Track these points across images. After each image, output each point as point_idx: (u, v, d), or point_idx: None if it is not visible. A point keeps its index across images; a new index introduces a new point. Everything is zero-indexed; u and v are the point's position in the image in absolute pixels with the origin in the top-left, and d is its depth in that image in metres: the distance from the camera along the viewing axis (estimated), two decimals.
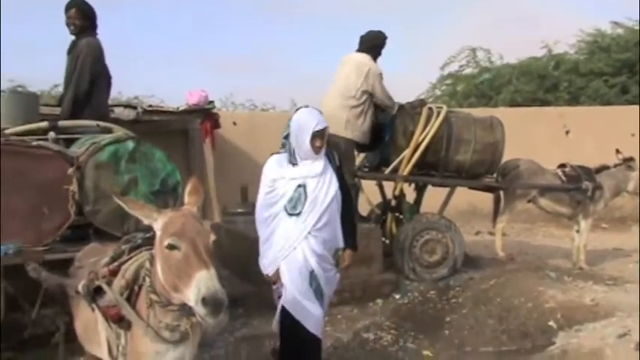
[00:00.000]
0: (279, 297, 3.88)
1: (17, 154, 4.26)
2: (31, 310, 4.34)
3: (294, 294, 3.78)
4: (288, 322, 3.82)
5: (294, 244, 3.77)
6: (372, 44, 6.92)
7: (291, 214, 3.78)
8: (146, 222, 2.63)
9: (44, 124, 4.80)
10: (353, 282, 6.08)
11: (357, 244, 4.11)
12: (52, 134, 4.68)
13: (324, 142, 3.81)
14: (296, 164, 3.82)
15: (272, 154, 3.99)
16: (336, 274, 3.99)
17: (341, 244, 3.94)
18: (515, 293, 5.73)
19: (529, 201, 7.34)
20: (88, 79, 5.31)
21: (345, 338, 5.08)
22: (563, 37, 16.73)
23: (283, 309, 3.83)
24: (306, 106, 3.95)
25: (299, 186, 3.78)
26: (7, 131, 4.55)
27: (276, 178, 3.84)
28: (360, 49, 6.91)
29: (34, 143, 4.42)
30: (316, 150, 3.77)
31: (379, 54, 6.97)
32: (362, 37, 6.97)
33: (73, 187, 4.30)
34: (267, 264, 3.91)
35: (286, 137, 3.89)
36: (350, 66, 6.78)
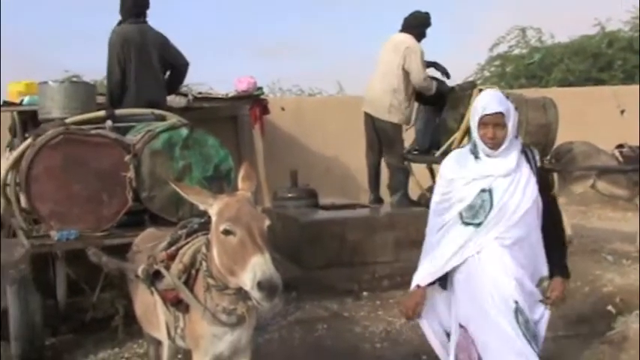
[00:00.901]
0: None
1: (78, 143, 4.40)
2: (91, 293, 4.49)
3: (494, 339, 2.83)
4: None
5: (463, 256, 2.91)
6: (415, 24, 6.88)
7: (467, 223, 2.93)
8: (202, 207, 2.66)
9: (101, 112, 4.92)
10: (404, 266, 6.05)
11: (568, 269, 3.05)
12: (109, 123, 4.80)
13: (502, 132, 2.87)
14: (478, 157, 2.96)
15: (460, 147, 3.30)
16: (545, 311, 2.98)
17: (544, 269, 2.98)
18: (572, 277, 5.60)
19: (591, 186, 7.15)
20: (118, 70, 5.39)
21: (397, 322, 5.06)
22: (616, 14, 16.23)
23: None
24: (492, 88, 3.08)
25: (483, 191, 2.90)
26: (67, 120, 4.69)
27: (454, 178, 3.00)
28: (403, 30, 6.89)
29: (93, 132, 4.54)
30: (486, 142, 2.89)
31: (423, 35, 6.91)
32: (405, 18, 6.95)
33: (130, 173, 4.41)
34: (420, 276, 3.03)
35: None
36: (391, 47, 6.78)
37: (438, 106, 7.05)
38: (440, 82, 7.01)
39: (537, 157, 3.01)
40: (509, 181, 2.89)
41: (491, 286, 2.85)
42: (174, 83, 5.88)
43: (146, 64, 5.48)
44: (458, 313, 2.98)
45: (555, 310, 4.49)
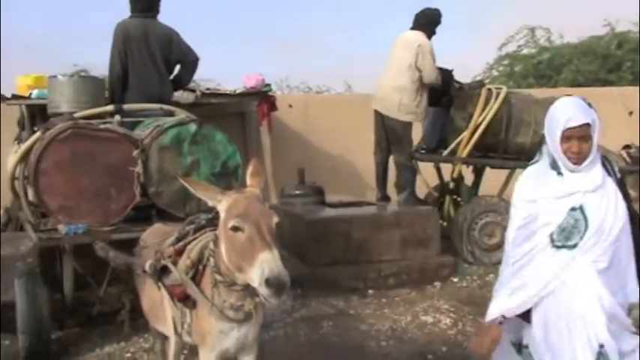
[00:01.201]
0: None
1: (86, 137, 4.40)
2: (98, 287, 4.51)
3: None
4: None
5: (558, 282, 2.55)
6: (426, 21, 6.91)
7: (559, 247, 2.56)
8: (210, 204, 2.66)
9: (110, 107, 4.94)
10: (410, 264, 6.09)
11: None
12: (117, 117, 4.81)
13: (587, 144, 2.55)
14: (561, 173, 2.61)
15: (530, 163, 2.83)
16: (638, 346, 2.57)
17: (634, 295, 2.60)
18: None
19: None
20: (119, 65, 5.45)
21: (403, 321, 5.07)
22: (626, 15, 16.12)
23: None
24: (569, 95, 2.74)
25: (573, 209, 2.55)
26: (75, 115, 4.70)
27: (536, 198, 2.63)
28: (414, 27, 6.90)
29: (102, 126, 4.56)
30: (570, 157, 2.56)
31: (433, 32, 6.94)
32: (416, 15, 6.97)
33: (138, 168, 4.41)
34: (506, 306, 2.63)
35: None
36: (402, 45, 6.79)
37: (445, 105, 7.04)
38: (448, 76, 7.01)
39: (616, 169, 2.71)
40: (598, 197, 2.57)
41: (581, 324, 2.50)
42: (184, 78, 5.87)
43: (148, 59, 5.50)
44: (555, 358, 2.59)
45: None
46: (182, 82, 5.93)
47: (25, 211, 4.76)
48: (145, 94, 5.37)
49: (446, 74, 7.00)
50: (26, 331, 4.19)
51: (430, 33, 6.87)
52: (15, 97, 5.95)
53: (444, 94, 7.02)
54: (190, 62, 5.71)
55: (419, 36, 6.75)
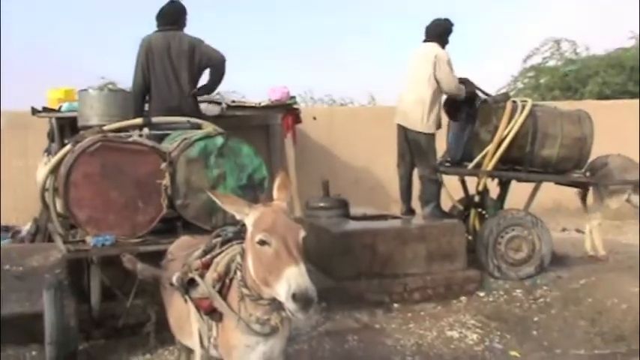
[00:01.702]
0: None
1: (115, 150, 4.44)
2: (124, 299, 4.53)
3: None
4: None
5: None
6: (438, 32, 6.91)
7: None
8: (238, 217, 2.66)
9: (139, 120, 4.99)
10: (436, 278, 6.03)
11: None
12: (145, 130, 4.86)
13: None
14: None
15: None
16: None
17: None
18: (608, 294, 5.51)
19: (626, 200, 7.07)
20: (140, 76, 5.56)
21: (429, 336, 5.02)
22: None
23: None
24: None
25: None
26: (105, 127, 4.75)
27: None
28: (427, 39, 6.90)
29: (131, 139, 4.60)
30: None
31: (447, 42, 6.93)
32: (427, 27, 6.97)
33: (166, 181, 4.43)
34: None
35: None
36: (419, 58, 6.80)
37: (469, 118, 7.01)
38: (470, 85, 6.98)
39: None
40: None
41: None
42: (213, 83, 5.89)
43: (170, 72, 5.56)
44: None
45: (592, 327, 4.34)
46: (212, 85, 5.93)
47: (54, 223, 4.82)
48: (166, 106, 5.44)
49: (467, 85, 6.98)
50: (54, 342, 4.23)
51: (443, 43, 6.88)
52: (45, 109, 6.06)
53: (467, 105, 7.00)
54: (217, 64, 5.72)
55: (434, 47, 6.76)
